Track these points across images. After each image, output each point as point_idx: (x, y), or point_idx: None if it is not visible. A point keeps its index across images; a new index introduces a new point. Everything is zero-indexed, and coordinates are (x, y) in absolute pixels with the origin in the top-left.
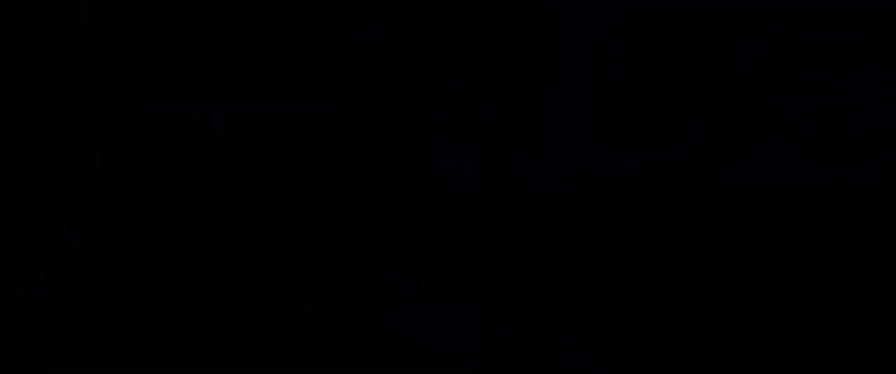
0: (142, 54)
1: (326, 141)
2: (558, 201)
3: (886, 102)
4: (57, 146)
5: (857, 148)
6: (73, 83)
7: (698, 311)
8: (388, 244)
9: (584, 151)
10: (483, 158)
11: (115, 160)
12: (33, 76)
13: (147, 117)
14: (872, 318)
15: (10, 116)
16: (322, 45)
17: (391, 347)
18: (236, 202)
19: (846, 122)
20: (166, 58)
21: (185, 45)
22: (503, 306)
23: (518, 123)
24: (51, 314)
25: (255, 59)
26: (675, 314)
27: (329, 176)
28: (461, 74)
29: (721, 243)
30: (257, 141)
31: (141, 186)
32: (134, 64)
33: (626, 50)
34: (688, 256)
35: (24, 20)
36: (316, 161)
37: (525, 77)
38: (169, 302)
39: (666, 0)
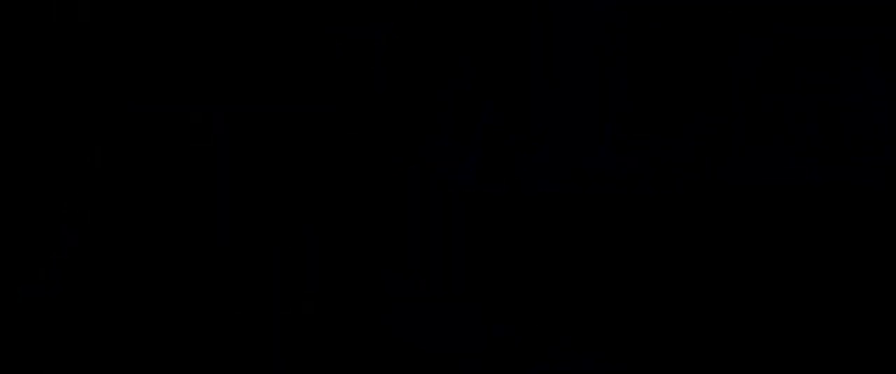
0: (142, 54)
1: (326, 141)
2: (558, 201)
3: (886, 102)
4: (57, 146)
5: (857, 148)
6: (73, 83)
7: (698, 311)
8: (388, 244)
9: (584, 151)
10: (483, 158)
11: (115, 160)
12: (33, 76)
13: (147, 117)
14: (872, 318)
15: (11, 116)
16: (322, 45)
17: (391, 347)
18: (236, 202)
19: (846, 122)
20: (166, 58)
21: (185, 45)
22: (503, 306)
23: (518, 123)
24: (51, 314)
25: (255, 59)
26: (675, 313)
27: (329, 176)
28: (461, 74)
29: (721, 243)
30: (257, 141)
31: (141, 186)
32: (134, 64)
33: (626, 50)
34: (688, 256)
35: (24, 20)
36: (316, 161)
37: (525, 77)
38: (169, 302)
39: (666, 0)
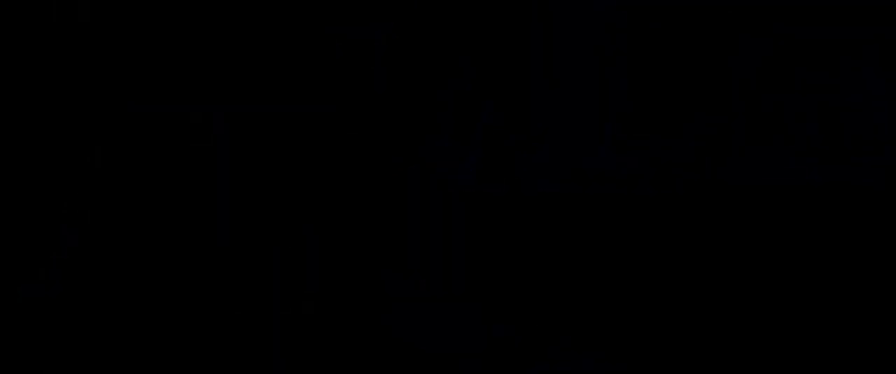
0: (142, 54)
1: (326, 141)
2: (558, 201)
3: (886, 102)
4: (57, 146)
5: (857, 148)
6: (73, 83)
7: (698, 311)
8: (388, 244)
9: (584, 151)
10: (483, 158)
11: (115, 160)
12: (33, 76)
13: (147, 117)
14: (872, 318)
15: (11, 117)
16: (322, 45)
17: (391, 347)
18: (236, 202)
19: (846, 122)
20: (166, 58)
21: (185, 45)
22: (503, 306)
23: (518, 123)
24: (51, 314)
25: (255, 59)
26: (675, 313)
27: (329, 176)
28: (461, 74)
29: (721, 243)
30: (257, 141)
31: (141, 186)
32: (134, 64)
33: (626, 50)
34: (688, 256)
35: (24, 20)
36: (316, 161)
37: (525, 77)
38: (169, 302)
39: (666, 0)
